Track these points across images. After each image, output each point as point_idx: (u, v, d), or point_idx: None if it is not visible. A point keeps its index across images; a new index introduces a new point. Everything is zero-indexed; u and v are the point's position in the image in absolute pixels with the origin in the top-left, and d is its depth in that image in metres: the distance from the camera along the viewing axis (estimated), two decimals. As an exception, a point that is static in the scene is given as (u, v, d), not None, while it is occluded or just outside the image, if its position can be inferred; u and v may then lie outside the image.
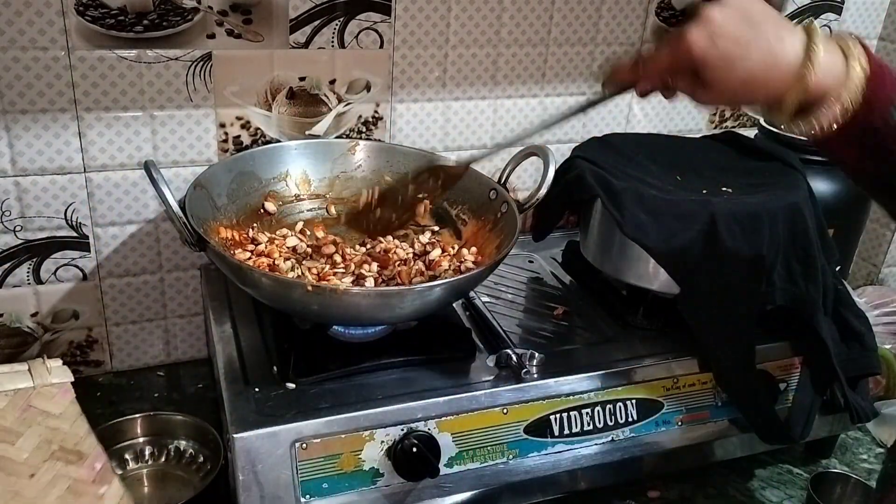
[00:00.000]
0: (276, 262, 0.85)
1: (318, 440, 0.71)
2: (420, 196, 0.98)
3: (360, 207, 0.98)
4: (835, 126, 0.58)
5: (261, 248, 0.88)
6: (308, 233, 0.94)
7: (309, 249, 0.90)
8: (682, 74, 0.61)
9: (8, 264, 0.95)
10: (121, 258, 1.00)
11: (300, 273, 0.84)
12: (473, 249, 0.91)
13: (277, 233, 0.92)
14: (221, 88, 0.95)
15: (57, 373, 0.77)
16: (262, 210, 0.94)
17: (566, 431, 0.81)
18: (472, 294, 0.93)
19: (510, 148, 0.92)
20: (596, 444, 0.83)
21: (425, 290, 0.76)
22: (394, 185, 0.98)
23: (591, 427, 0.82)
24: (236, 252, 0.86)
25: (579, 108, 0.77)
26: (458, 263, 0.88)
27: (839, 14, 1.26)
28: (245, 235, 0.90)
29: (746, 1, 0.59)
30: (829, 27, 1.26)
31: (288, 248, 0.89)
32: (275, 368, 0.79)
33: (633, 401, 0.84)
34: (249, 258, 0.85)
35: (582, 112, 0.77)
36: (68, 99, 0.89)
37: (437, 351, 0.83)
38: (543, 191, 0.87)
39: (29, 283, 0.97)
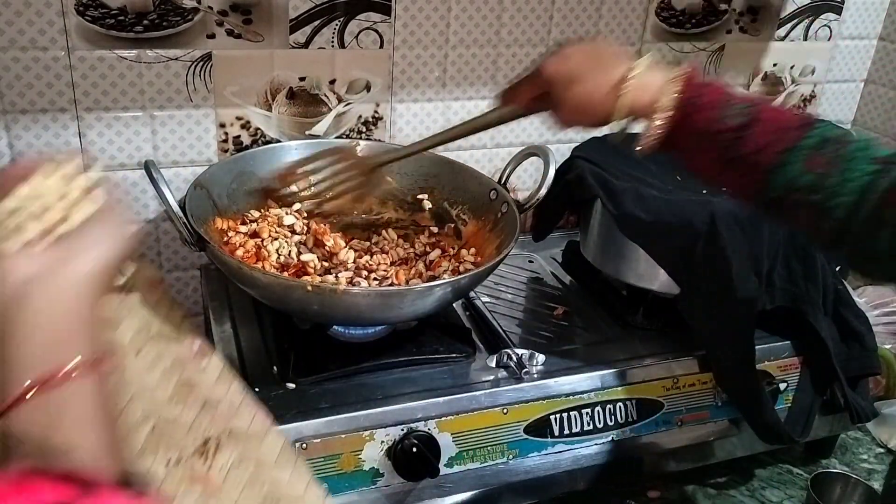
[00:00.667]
0: (265, 243, 0.85)
1: (319, 440, 0.71)
2: (420, 196, 0.98)
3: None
4: (657, 132, 0.66)
5: (254, 227, 0.88)
6: (304, 214, 0.94)
7: (305, 228, 0.90)
8: (541, 96, 0.74)
9: (8, 264, 0.95)
10: (121, 258, 0.99)
11: (290, 252, 0.85)
12: (473, 250, 0.91)
13: (271, 211, 0.92)
14: (221, 88, 0.95)
15: (146, 270, 0.81)
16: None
17: (566, 431, 0.81)
18: (472, 294, 0.93)
19: (510, 148, 0.92)
20: (596, 444, 0.83)
21: (425, 290, 0.76)
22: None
23: (591, 427, 0.82)
24: (231, 237, 0.86)
25: (482, 123, 0.84)
26: (458, 264, 0.88)
27: (839, 14, 1.26)
28: (238, 221, 0.89)
29: (601, 44, 0.73)
30: (830, 27, 1.27)
31: (285, 226, 0.89)
32: (275, 368, 0.78)
33: (633, 401, 0.84)
34: (239, 247, 0.85)
35: (483, 128, 0.85)
36: (68, 99, 0.89)
37: (437, 351, 0.83)
38: (543, 191, 0.87)
39: (29, 283, 0.97)
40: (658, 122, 0.66)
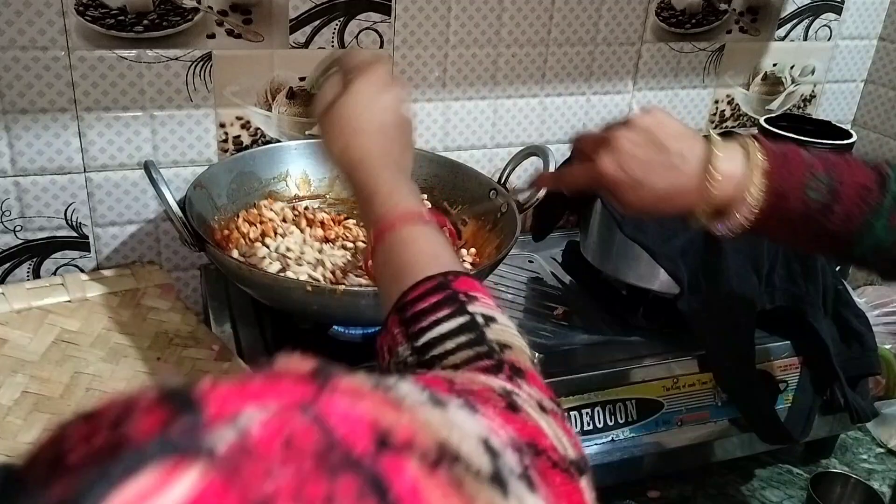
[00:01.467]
0: (240, 230, 0.86)
1: (318, 440, 0.71)
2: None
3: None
4: (748, 223, 0.61)
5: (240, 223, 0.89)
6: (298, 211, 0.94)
7: (295, 216, 0.91)
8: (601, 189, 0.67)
9: (8, 264, 0.95)
10: (121, 258, 1.00)
11: (262, 238, 0.86)
12: (473, 250, 0.91)
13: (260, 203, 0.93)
14: (221, 88, 0.95)
15: (157, 276, 0.85)
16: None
17: (566, 431, 0.81)
18: (472, 294, 0.93)
19: (510, 148, 0.92)
20: (596, 444, 0.83)
21: (425, 290, 0.76)
22: None
23: (591, 427, 0.82)
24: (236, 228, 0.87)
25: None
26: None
27: (839, 14, 1.26)
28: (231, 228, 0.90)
29: (654, 121, 0.62)
30: (830, 27, 1.27)
31: (275, 212, 0.90)
32: (275, 368, 0.78)
33: (633, 401, 0.84)
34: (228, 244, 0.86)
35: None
36: (68, 99, 0.89)
37: (437, 351, 0.82)
38: (544, 191, 0.87)
39: (29, 283, 0.97)
40: (747, 212, 0.61)
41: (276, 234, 0.88)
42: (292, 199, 0.97)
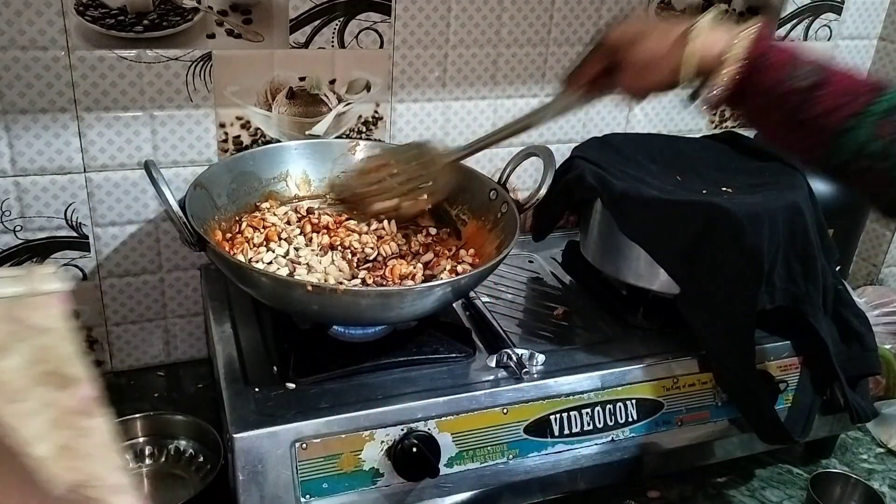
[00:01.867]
0: (248, 236, 0.86)
1: (318, 440, 0.71)
2: (420, 196, 0.98)
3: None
4: (725, 85, 0.66)
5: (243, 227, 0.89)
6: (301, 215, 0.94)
7: (299, 218, 0.91)
8: (605, 72, 0.75)
9: (8, 264, 0.95)
10: (121, 258, 1.00)
11: (269, 245, 0.86)
12: (472, 251, 0.91)
13: (263, 205, 0.93)
14: (221, 88, 0.95)
15: (49, 279, 0.62)
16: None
17: (566, 431, 0.81)
18: (472, 294, 0.93)
19: (510, 148, 0.92)
20: (596, 444, 0.83)
21: (425, 290, 0.76)
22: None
23: (591, 427, 0.82)
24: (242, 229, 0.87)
25: (549, 113, 0.84)
26: (456, 264, 0.88)
27: (839, 14, 1.26)
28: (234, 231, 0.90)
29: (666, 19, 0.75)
30: (830, 27, 1.26)
31: (278, 217, 0.90)
32: (275, 368, 0.78)
33: (633, 401, 0.84)
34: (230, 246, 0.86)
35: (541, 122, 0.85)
36: (68, 99, 0.89)
37: (437, 351, 0.83)
38: (543, 191, 0.87)
39: (29, 283, 0.97)
40: (726, 75, 0.66)
41: (280, 238, 0.88)
42: (292, 198, 0.97)
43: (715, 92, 0.67)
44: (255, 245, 0.86)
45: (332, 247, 0.88)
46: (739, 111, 0.68)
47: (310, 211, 0.94)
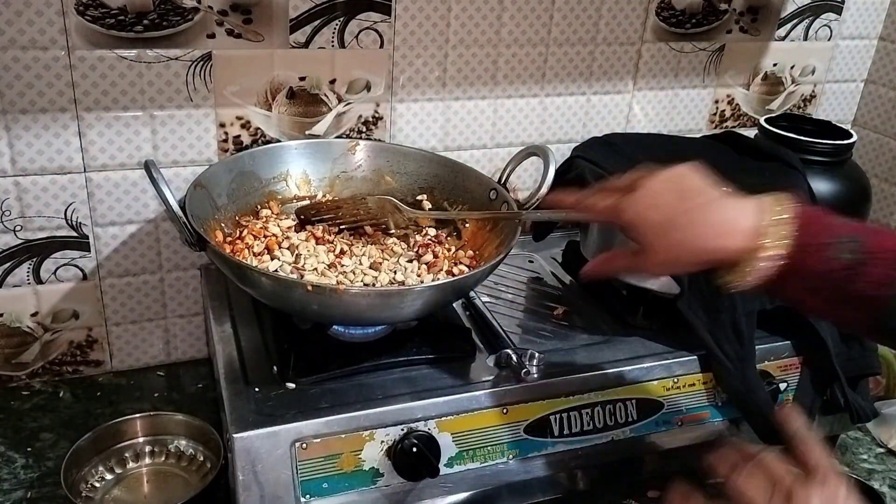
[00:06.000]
0: (248, 243, 0.86)
1: (318, 440, 0.71)
2: (420, 197, 0.98)
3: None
4: (762, 276, 0.60)
5: (243, 233, 0.88)
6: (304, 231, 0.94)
7: (302, 236, 0.90)
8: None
9: (8, 264, 0.95)
10: (121, 258, 1.00)
11: (278, 255, 0.85)
12: (470, 252, 0.91)
13: (262, 214, 0.93)
14: (221, 88, 0.95)
15: None
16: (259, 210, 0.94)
17: (566, 431, 0.81)
18: (472, 294, 0.93)
19: (510, 148, 0.91)
20: (596, 444, 0.83)
21: (425, 290, 0.76)
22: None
23: (591, 427, 0.82)
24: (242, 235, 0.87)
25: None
26: (453, 265, 0.88)
27: (839, 14, 1.26)
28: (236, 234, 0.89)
29: (680, 174, 0.64)
30: (830, 27, 1.27)
31: (282, 228, 0.90)
32: (275, 368, 0.78)
33: (633, 401, 0.84)
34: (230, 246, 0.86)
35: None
36: (68, 99, 0.89)
37: (437, 351, 0.83)
38: (543, 191, 0.87)
39: (29, 283, 0.97)
40: (764, 267, 0.59)
41: (280, 247, 0.87)
42: (293, 198, 0.97)
43: (752, 281, 0.60)
44: (256, 254, 0.86)
45: (343, 252, 0.88)
46: (778, 296, 0.62)
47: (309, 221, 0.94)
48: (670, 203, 0.62)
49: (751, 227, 0.59)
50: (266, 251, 0.86)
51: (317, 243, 0.89)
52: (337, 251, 0.88)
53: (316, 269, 0.84)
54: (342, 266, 0.86)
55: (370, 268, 0.86)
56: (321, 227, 0.92)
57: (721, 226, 0.60)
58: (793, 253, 0.58)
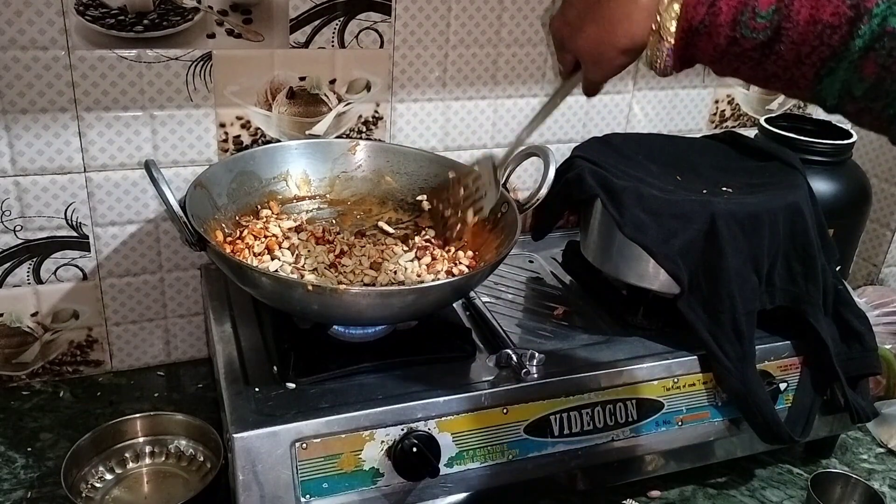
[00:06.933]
0: (249, 243, 0.86)
1: (318, 440, 0.71)
2: (419, 198, 0.98)
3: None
4: (672, 59, 0.60)
5: (244, 234, 0.88)
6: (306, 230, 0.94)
7: (304, 236, 0.90)
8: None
9: (8, 264, 0.95)
10: (121, 258, 1.00)
11: (279, 256, 0.85)
12: (469, 253, 0.91)
13: (263, 214, 0.93)
14: (221, 88, 0.95)
15: None
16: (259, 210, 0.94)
17: (566, 431, 0.81)
18: (472, 294, 0.93)
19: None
20: (596, 444, 0.83)
21: (425, 289, 0.76)
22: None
23: (591, 427, 0.82)
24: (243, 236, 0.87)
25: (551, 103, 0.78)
26: (452, 265, 0.88)
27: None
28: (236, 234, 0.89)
29: None
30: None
31: (282, 229, 0.90)
32: (275, 368, 0.78)
33: (633, 401, 0.84)
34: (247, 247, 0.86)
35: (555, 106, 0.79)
36: (68, 99, 0.89)
37: (437, 351, 0.83)
38: (544, 191, 0.87)
39: (29, 283, 0.97)
40: (663, 48, 0.59)
41: (280, 247, 0.87)
42: (293, 198, 0.97)
43: (660, 64, 0.61)
44: (256, 254, 0.86)
45: (343, 253, 0.88)
46: (716, 71, 0.61)
47: (310, 222, 0.93)
48: (582, 3, 0.64)
49: (648, 6, 0.59)
50: (266, 251, 0.86)
51: (317, 243, 0.89)
52: (337, 251, 0.88)
53: (316, 269, 0.84)
54: (342, 266, 0.86)
55: (370, 268, 0.86)
56: (322, 227, 0.92)
57: (623, 9, 0.61)
58: (685, 33, 0.58)
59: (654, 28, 0.59)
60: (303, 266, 0.84)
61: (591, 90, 0.71)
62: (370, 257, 0.88)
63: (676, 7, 0.58)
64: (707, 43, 0.57)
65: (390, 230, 0.95)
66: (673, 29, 0.58)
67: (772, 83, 0.58)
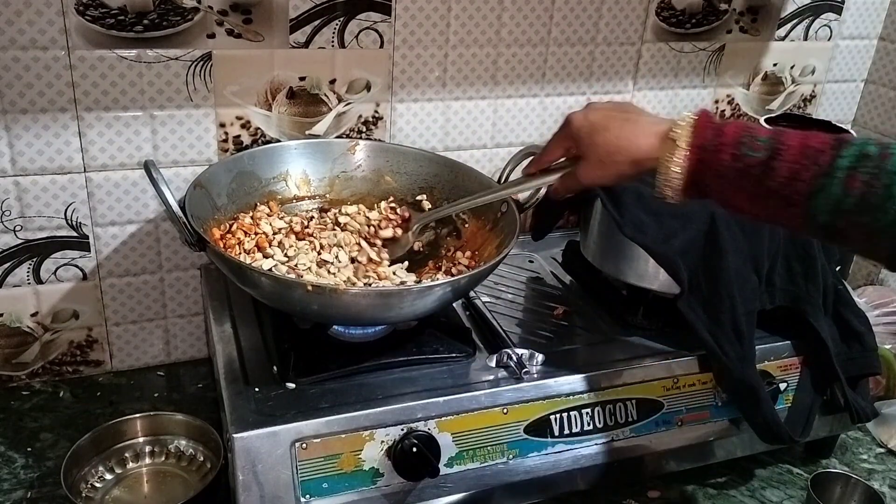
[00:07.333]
0: (240, 238, 0.86)
1: (318, 440, 0.71)
2: (419, 197, 0.98)
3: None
4: (680, 180, 0.67)
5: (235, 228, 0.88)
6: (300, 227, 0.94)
7: (299, 232, 0.91)
8: (567, 155, 0.78)
9: (8, 264, 0.95)
10: (121, 258, 1.00)
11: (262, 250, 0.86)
12: (468, 253, 0.91)
13: (261, 208, 0.93)
14: (221, 88, 0.95)
15: None
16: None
17: (566, 431, 0.81)
18: (472, 294, 0.93)
19: (510, 148, 0.91)
20: (596, 444, 0.83)
21: (425, 289, 0.76)
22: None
23: (591, 427, 0.82)
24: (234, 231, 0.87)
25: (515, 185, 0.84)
26: (451, 266, 0.88)
27: (839, 14, 1.26)
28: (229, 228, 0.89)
29: (624, 101, 0.79)
30: (830, 27, 1.27)
31: (273, 228, 0.90)
32: (275, 368, 0.78)
33: (633, 401, 0.84)
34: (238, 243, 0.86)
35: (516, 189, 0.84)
36: (68, 99, 0.89)
37: (437, 351, 0.83)
38: (543, 191, 0.87)
39: (29, 283, 0.97)
40: (674, 166, 0.67)
41: (270, 245, 0.87)
42: (292, 198, 0.97)
43: (669, 185, 0.68)
44: (246, 250, 0.85)
45: (340, 245, 0.88)
46: (709, 197, 0.68)
47: (304, 226, 0.94)
48: (609, 111, 0.74)
49: (662, 131, 0.69)
50: (256, 248, 0.86)
51: (297, 238, 0.89)
52: (317, 247, 0.88)
53: (310, 268, 0.84)
54: (339, 262, 0.86)
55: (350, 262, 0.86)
56: (300, 222, 0.92)
57: (640, 130, 0.70)
58: (697, 149, 0.66)
59: (668, 144, 0.67)
60: (296, 265, 0.84)
61: (565, 192, 0.79)
62: (347, 244, 0.88)
63: (689, 130, 0.67)
64: (713, 159, 0.65)
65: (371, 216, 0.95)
66: (685, 145, 0.66)
67: (770, 204, 0.64)
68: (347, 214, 0.95)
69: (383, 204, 0.96)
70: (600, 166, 0.73)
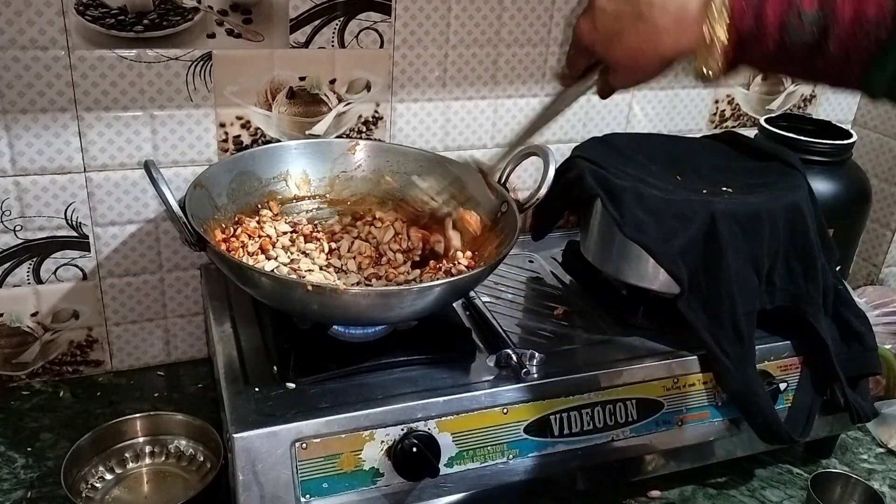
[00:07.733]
0: (244, 241, 0.86)
1: (318, 440, 0.71)
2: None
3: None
4: (723, 67, 0.60)
5: (240, 232, 0.88)
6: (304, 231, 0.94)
7: (299, 237, 0.90)
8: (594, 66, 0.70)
9: (8, 264, 0.95)
10: (121, 258, 1.00)
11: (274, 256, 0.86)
12: (468, 253, 0.91)
13: (264, 212, 0.93)
14: (221, 88, 0.95)
15: None
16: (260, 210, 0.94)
17: (566, 431, 0.81)
18: (472, 294, 0.93)
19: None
20: (596, 444, 0.83)
21: (425, 289, 0.76)
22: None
23: (591, 427, 0.82)
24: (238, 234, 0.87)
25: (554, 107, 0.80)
26: (451, 265, 0.88)
27: (839, 14, 1.26)
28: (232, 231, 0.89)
29: None
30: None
31: (277, 231, 0.90)
32: (275, 368, 0.78)
33: (633, 401, 0.84)
34: (242, 246, 0.86)
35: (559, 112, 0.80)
36: (68, 98, 0.89)
37: (437, 351, 0.83)
38: (543, 191, 0.87)
39: (29, 283, 0.97)
40: (718, 59, 0.60)
41: (274, 247, 0.87)
42: (292, 198, 0.97)
43: (711, 72, 0.61)
44: (250, 253, 0.86)
45: (330, 252, 0.88)
46: (761, 71, 0.63)
47: (309, 221, 0.93)
48: (616, 9, 0.64)
49: (690, 21, 0.60)
50: (260, 251, 0.86)
51: (305, 241, 0.89)
52: (326, 249, 0.88)
53: (311, 270, 0.84)
54: (343, 262, 0.86)
55: (363, 264, 0.86)
56: (311, 227, 0.92)
57: (661, 28, 0.61)
58: (736, 42, 0.59)
59: (704, 37, 0.59)
60: (299, 268, 0.84)
61: (609, 93, 0.71)
62: (362, 253, 0.88)
63: (726, 16, 0.58)
64: (756, 49, 0.58)
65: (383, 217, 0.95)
66: (725, 38, 0.59)
67: (820, 80, 0.59)
68: (379, 224, 0.94)
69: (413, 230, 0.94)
70: (628, 74, 0.67)
